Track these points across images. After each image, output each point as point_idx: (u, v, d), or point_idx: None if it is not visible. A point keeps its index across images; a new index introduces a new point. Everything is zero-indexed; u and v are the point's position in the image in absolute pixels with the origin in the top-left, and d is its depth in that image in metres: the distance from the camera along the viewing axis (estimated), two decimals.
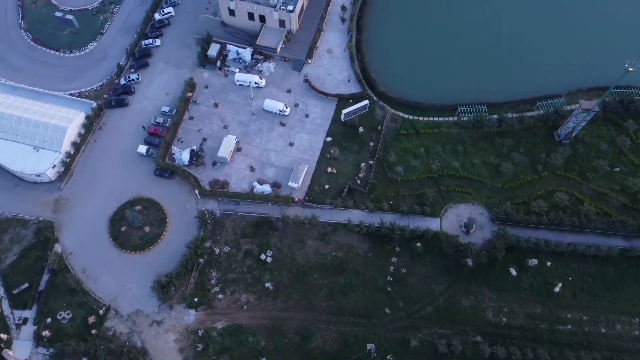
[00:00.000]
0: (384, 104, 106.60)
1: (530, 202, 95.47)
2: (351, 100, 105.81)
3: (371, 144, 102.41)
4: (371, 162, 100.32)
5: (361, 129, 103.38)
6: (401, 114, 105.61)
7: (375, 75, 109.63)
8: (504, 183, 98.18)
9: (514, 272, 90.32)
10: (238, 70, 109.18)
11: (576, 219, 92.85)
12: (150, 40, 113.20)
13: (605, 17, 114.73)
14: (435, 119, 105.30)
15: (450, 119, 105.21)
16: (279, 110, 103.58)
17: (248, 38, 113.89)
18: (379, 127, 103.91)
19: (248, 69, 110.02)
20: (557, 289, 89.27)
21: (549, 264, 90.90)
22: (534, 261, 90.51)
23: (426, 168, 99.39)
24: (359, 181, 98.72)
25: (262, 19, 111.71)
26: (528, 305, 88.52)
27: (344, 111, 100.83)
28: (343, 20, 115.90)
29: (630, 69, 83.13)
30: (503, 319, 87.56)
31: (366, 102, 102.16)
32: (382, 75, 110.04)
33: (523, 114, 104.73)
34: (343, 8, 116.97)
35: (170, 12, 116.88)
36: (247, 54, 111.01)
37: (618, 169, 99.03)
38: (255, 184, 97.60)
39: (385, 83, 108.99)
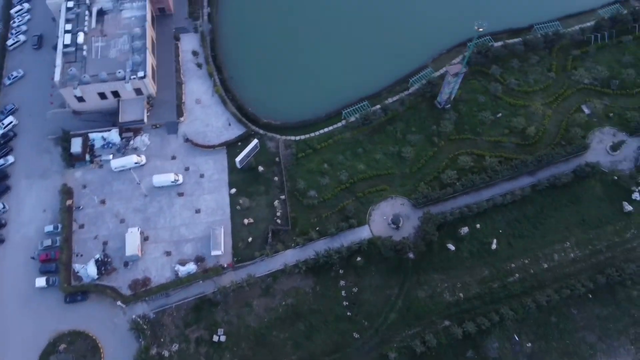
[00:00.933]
0: (273, 134, 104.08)
1: (440, 175, 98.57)
2: (239, 143, 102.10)
3: (276, 178, 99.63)
4: (283, 196, 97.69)
5: (261, 168, 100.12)
6: (293, 138, 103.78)
7: (253, 109, 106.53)
8: (411, 166, 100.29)
9: (452, 247, 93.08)
10: (112, 156, 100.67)
11: (484, 174, 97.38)
12: (0, 161, 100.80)
13: None
14: (326, 129, 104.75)
15: (340, 124, 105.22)
16: (172, 182, 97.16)
17: (109, 118, 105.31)
18: (277, 159, 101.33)
19: (122, 151, 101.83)
20: (494, 246, 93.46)
21: (478, 226, 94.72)
22: (465, 229, 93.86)
23: (336, 182, 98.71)
24: (279, 221, 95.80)
25: (116, 94, 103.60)
26: (476, 272, 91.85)
27: (237, 159, 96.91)
28: (199, 65, 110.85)
29: (480, 29, 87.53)
30: (460, 295, 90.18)
31: (255, 141, 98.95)
32: (260, 107, 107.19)
33: (402, 95, 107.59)
34: (194, 53, 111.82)
35: (11, 122, 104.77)
36: (114, 135, 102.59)
37: (500, 114, 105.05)
38: (178, 267, 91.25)
39: (265, 113, 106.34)
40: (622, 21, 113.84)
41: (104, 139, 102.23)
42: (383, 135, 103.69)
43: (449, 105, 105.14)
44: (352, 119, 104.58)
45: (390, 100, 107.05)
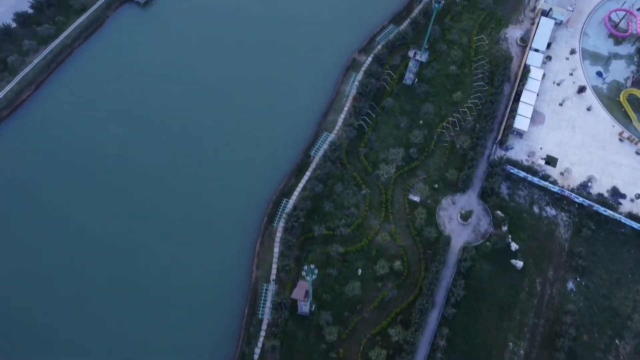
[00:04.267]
0: None
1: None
2: None
3: None
4: None
5: None
6: None
7: None
8: None
9: None
10: None
11: (403, 352, 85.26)
12: None
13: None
14: None
15: None
16: None
17: None
18: None
19: None
20: None
21: None
22: None
23: None
24: None
25: None
26: None
27: None
28: None
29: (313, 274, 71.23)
30: None
31: None
32: None
33: (256, 350, 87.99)
34: None
35: None
36: None
37: (360, 270, 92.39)
38: None
39: None
40: (365, 94, 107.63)
41: None
42: None
43: (314, 307, 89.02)
44: None
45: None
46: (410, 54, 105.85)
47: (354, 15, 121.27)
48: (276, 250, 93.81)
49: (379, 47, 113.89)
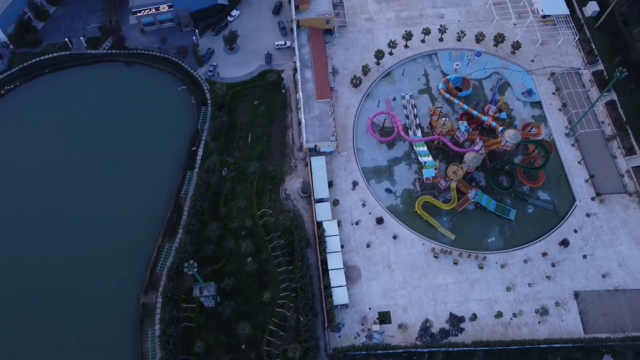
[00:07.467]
0: None
1: None
2: None
3: None
4: None
5: None
6: None
7: None
8: None
9: None
10: None
11: None
12: None
13: None
14: None
15: None
16: None
17: None
18: None
19: None
20: None
21: None
22: None
23: None
24: None
25: None
26: None
27: None
28: None
29: None
30: None
31: None
32: None
33: None
34: None
35: None
36: None
37: None
38: None
39: None
40: None
41: None
42: None
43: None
44: None
45: None
46: (196, 292, 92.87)
47: (123, 247, 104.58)
48: None
49: (164, 277, 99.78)
